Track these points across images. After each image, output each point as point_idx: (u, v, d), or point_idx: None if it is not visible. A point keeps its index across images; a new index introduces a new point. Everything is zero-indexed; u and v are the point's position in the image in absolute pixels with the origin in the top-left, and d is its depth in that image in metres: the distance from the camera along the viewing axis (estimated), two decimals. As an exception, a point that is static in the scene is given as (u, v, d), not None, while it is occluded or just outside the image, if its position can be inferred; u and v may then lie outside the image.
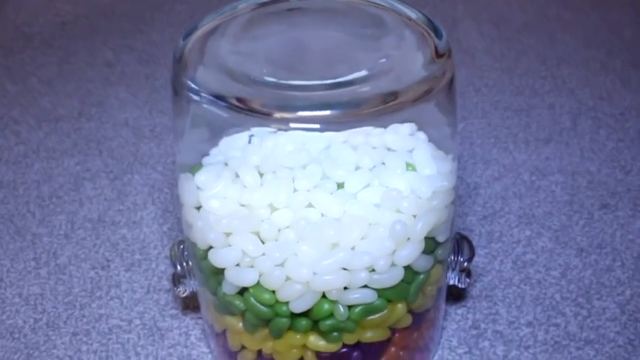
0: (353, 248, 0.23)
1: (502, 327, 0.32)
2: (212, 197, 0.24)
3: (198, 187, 0.25)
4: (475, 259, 0.36)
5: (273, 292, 0.23)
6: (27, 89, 0.51)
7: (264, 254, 0.23)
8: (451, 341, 0.32)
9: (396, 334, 0.26)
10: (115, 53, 0.55)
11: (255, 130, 0.27)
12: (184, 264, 0.29)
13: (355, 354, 0.26)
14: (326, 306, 0.23)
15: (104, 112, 0.48)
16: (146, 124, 0.46)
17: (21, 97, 0.50)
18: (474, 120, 0.46)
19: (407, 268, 0.24)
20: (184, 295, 0.29)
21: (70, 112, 0.48)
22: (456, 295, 0.34)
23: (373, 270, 0.23)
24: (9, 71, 0.53)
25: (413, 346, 0.28)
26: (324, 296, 0.23)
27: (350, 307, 0.24)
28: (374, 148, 0.26)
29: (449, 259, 0.28)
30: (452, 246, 0.28)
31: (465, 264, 0.29)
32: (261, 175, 0.25)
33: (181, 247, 0.29)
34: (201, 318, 0.33)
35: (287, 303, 0.23)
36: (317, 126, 0.22)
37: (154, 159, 0.43)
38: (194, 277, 0.29)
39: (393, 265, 0.23)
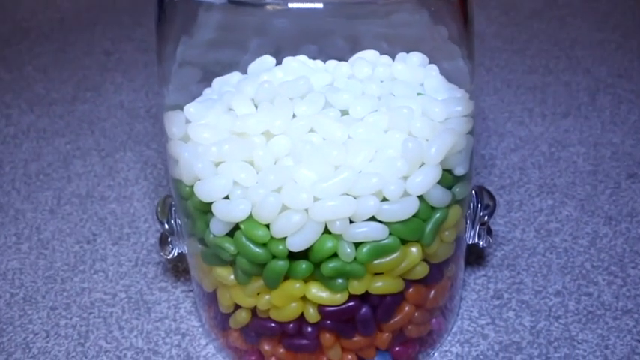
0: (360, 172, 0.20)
1: (528, 296, 0.29)
2: (201, 127, 0.22)
3: (187, 120, 0.23)
4: (494, 227, 0.33)
5: (268, 227, 0.20)
6: (22, 76, 0.49)
7: (257, 184, 0.20)
8: (471, 311, 0.29)
9: (411, 289, 0.23)
10: (113, 43, 0.53)
11: (251, 67, 0.25)
12: (172, 221, 0.26)
13: (363, 310, 0.22)
14: (329, 243, 0.20)
15: (99, 96, 0.46)
16: (142, 105, 0.45)
17: (15, 83, 0.48)
18: (486, 97, 0.44)
19: (422, 201, 0.21)
20: (171, 255, 0.26)
21: (64, 96, 0.46)
22: (474, 265, 0.31)
23: (383, 199, 0.20)
24: (4, 61, 0.51)
25: (429, 308, 0.24)
26: (326, 231, 0.20)
27: (357, 246, 0.21)
28: (382, 81, 0.23)
29: (468, 213, 0.25)
30: (471, 199, 0.25)
31: (486, 218, 0.26)
32: (256, 106, 0.22)
33: (168, 203, 0.26)
34: (192, 290, 0.30)
35: (283, 240, 0.20)
36: (319, 5, 0.19)
37: (149, 137, 0.41)
38: (181, 236, 0.26)
39: (405, 194, 0.20)
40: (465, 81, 0.24)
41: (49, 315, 0.30)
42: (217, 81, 0.25)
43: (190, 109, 0.23)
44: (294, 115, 0.21)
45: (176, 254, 0.26)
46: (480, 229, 0.26)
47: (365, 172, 0.20)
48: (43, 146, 0.41)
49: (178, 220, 0.26)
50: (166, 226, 0.26)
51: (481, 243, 0.26)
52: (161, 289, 0.30)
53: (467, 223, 0.26)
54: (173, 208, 0.26)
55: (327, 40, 0.27)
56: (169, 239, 0.26)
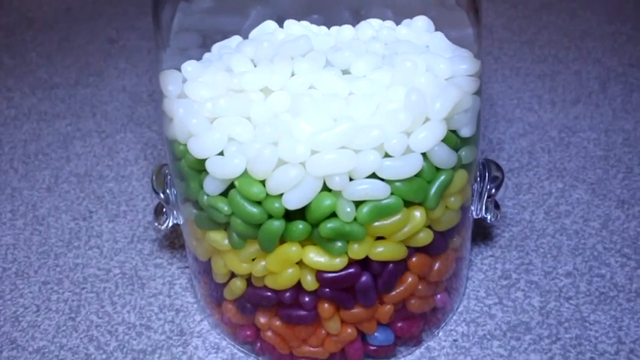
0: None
1: (537, 277, 0.28)
2: (198, 84, 0.21)
3: (184, 80, 0.22)
4: (502, 209, 0.32)
5: (263, 183, 0.19)
6: (25, 62, 0.49)
7: (253, 138, 0.19)
8: (478, 291, 0.27)
9: (414, 258, 0.22)
10: (118, 32, 0.53)
11: (253, 33, 0.25)
12: (167, 190, 0.25)
13: (364, 278, 0.21)
14: (327, 201, 0.19)
15: (102, 81, 0.45)
16: (144, 89, 0.44)
17: (17, 68, 0.48)
18: (494, 84, 0.43)
19: (426, 160, 0.20)
20: (165, 226, 0.25)
21: (67, 80, 0.46)
22: (481, 245, 0.30)
23: (385, 155, 0.19)
24: (8, 48, 0.51)
25: (433, 281, 0.23)
26: (325, 189, 0.19)
27: (357, 206, 0.20)
28: (386, 44, 0.22)
29: (474, 186, 0.24)
30: (477, 166, 0.24)
31: (494, 190, 0.25)
32: (255, 66, 0.22)
33: (164, 172, 0.25)
34: (188, 267, 0.29)
35: (280, 198, 0.19)
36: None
37: (150, 119, 0.40)
38: (176, 206, 0.25)
39: (408, 150, 0.19)
40: (473, 49, 0.23)
41: (40, 289, 0.29)
42: (217, 46, 0.25)
43: (188, 67, 0.22)
44: (293, 74, 0.20)
45: (170, 225, 0.26)
46: (487, 201, 0.25)
47: (366, 125, 0.19)
48: (43, 128, 0.40)
49: (174, 190, 0.25)
50: (162, 195, 0.25)
51: (489, 217, 0.25)
52: (156, 265, 0.30)
53: (474, 195, 0.25)
54: (168, 177, 0.25)
55: (332, 9, 0.26)
56: (164, 210, 0.26)
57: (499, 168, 0.25)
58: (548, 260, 0.29)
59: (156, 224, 0.26)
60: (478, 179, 0.25)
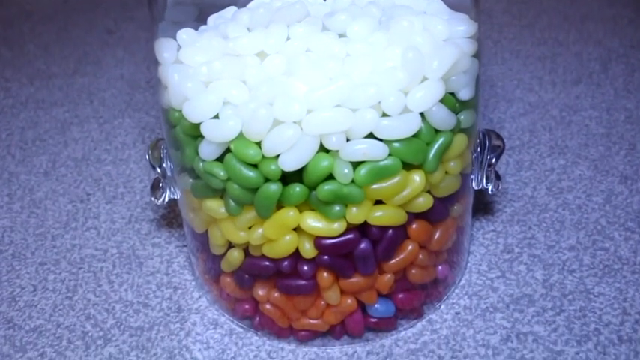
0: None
1: (540, 251, 0.27)
2: (193, 49, 0.21)
3: (179, 47, 0.22)
4: (504, 185, 0.31)
5: (259, 145, 0.19)
6: (23, 53, 0.49)
7: (248, 100, 0.19)
8: (480, 265, 0.27)
9: (414, 225, 0.22)
10: (116, 22, 0.53)
11: (251, 4, 0.24)
12: (164, 165, 0.25)
13: (363, 244, 0.21)
14: (324, 162, 0.19)
15: (100, 69, 0.45)
16: (142, 77, 0.44)
17: (15, 59, 0.48)
18: (494, 66, 0.42)
19: (424, 122, 0.19)
20: (161, 200, 0.25)
21: (65, 70, 0.46)
22: (483, 220, 0.29)
23: (383, 115, 0.19)
24: (6, 40, 0.51)
25: (434, 250, 0.23)
26: (322, 150, 0.19)
27: (355, 167, 0.19)
28: (383, 9, 0.22)
29: (475, 156, 0.24)
30: (477, 131, 0.24)
31: (494, 159, 0.24)
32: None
33: (160, 146, 0.25)
34: (186, 246, 0.29)
35: (276, 160, 0.19)
36: None
37: (148, 105, 0.40)
38: (173, 180, 0.25)
39: (406, 110, 0.19)
40: (470, 14, 0.23)
41: (37, 270, 0.28)
42: (213, 17, 0.24)
43: (183, 35, 0.22)
44: (289, 38, 0.20)
45: (167, 200, 0.25)
46: (487, 171, 0.24)
47: (363, 83, 0.19)
48: (41, 115, 0.40)
49: (170, 165, 0.25)
50: (158, 170, 0.25)
51: (490, 188, 0.25)
52: (154, 244, 0.29)
53: (474, 164, 0.24)
54: (164, 151, 0.25)
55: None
56: (161, 184, 0.25)
57: (499, 137, 0.25)
58: (551, 234, 0.28)
59: (152, 199, 0.25)
60: (479, 149, 0.25)
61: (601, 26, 0.47)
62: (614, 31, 0.47)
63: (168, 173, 0.25)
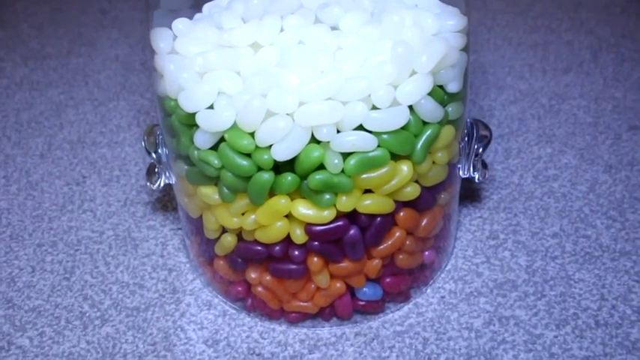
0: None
1: (524, 238, 0.28)
2: (188, 40, 0.21)
3: (174, 36, 0.22)
4: (491, 173, 0.32)
5: (252, 135, 0.20)
6: (16, 34, 0.48)
7: (242, 90, 0.19)
8: (466, 251, 0.28)
9: (402, 213, 0.22)
10: (110, 2, 0.53)
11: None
12: (159, 150, 0.25)
13: (352, 231, 0.22)
14: (315, 153, 0.19)
15: (94, 50, 0.45)
16: (137, 59, 0.44)
17: (9, 39, 0.48)
18: (486, 53, 0.43)
19: (413, 114, 0.20)
20: (157, 185, 0.26)
21: (59, 50, 0.46)
22: (469, 207, 0.30)
23: (373, 108, 0.19)
24: None
25: (421, 237, 0.24)
26: (313, 141, 0.20)
27: (345, 157, 0.20)
28: (375, 2, 0.22)
29: (462, 145, 0.25)
30: (465, 123, 0.24)
31: (481, 149, 0.25)
32: (245, 22, 0.22)
33: (155, 131, 0.26)
34: (180, 229, 0.29)
35: (269, 150, 0.20)
36: None
37: (143, 87, 0.40)
38: (168, 166, 0.25)
39: (395, 103, 0.19)
40: (461, 7, 0.23)
41: (35, 252, 0.29)
42: (208, 5, 0.25)
43: (178, 25, 0.22)
44: (282, 30, 0.21)
45: (162, 185, 0.26)
46: (474, 160, 0.25)
47: (353, 76, 0.19)
48: (36, 97, 0.40)
49: (165, 150, 0.25)
50: (154, 155, 0.26)
51: (476, 176, 0.26)
52: (149, 227, 0.30)
53: (461, 154, 0.25)
54: (160, 136, 0.25)
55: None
56: (156, 169, 0.26)
57: (487, 127, 0.25)
58: (536, 222, 0.29)
59: (148, 184, 0.26)
60: (466, 138, 0.25)
61: (594, 14, 0.48)
62: (606, 20, 0.47)
63: (164, 159, 0.26)
